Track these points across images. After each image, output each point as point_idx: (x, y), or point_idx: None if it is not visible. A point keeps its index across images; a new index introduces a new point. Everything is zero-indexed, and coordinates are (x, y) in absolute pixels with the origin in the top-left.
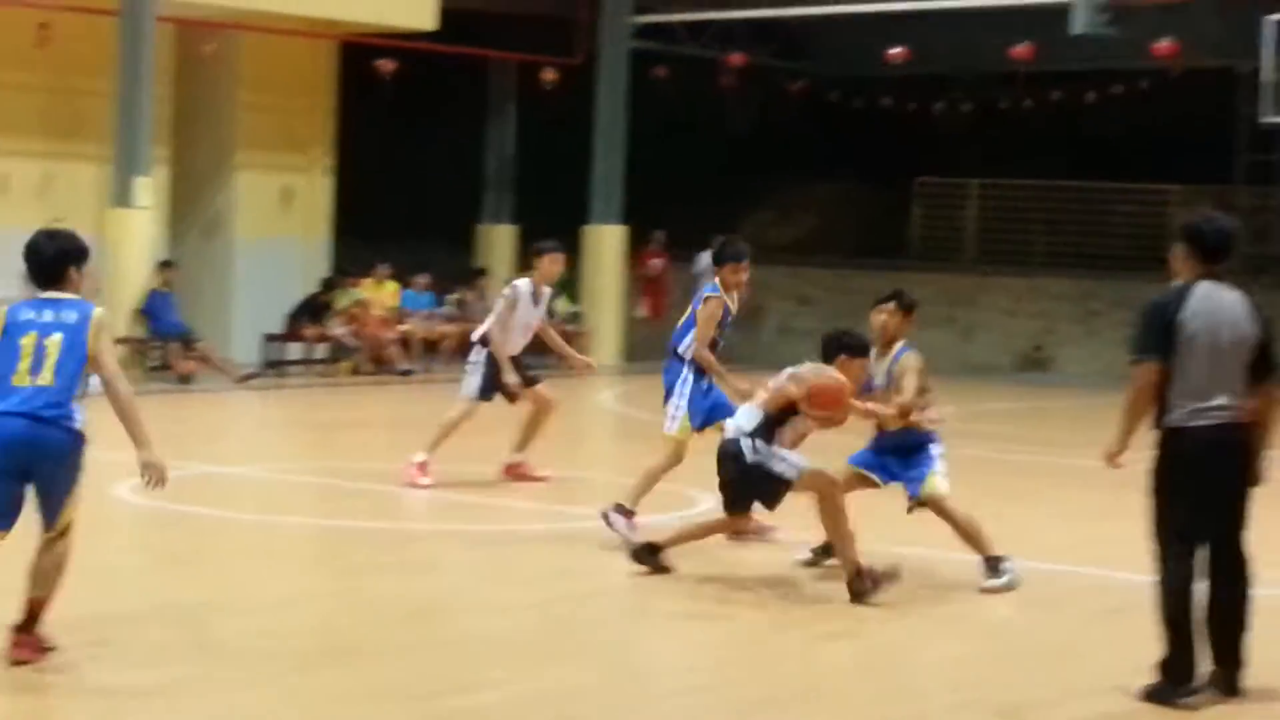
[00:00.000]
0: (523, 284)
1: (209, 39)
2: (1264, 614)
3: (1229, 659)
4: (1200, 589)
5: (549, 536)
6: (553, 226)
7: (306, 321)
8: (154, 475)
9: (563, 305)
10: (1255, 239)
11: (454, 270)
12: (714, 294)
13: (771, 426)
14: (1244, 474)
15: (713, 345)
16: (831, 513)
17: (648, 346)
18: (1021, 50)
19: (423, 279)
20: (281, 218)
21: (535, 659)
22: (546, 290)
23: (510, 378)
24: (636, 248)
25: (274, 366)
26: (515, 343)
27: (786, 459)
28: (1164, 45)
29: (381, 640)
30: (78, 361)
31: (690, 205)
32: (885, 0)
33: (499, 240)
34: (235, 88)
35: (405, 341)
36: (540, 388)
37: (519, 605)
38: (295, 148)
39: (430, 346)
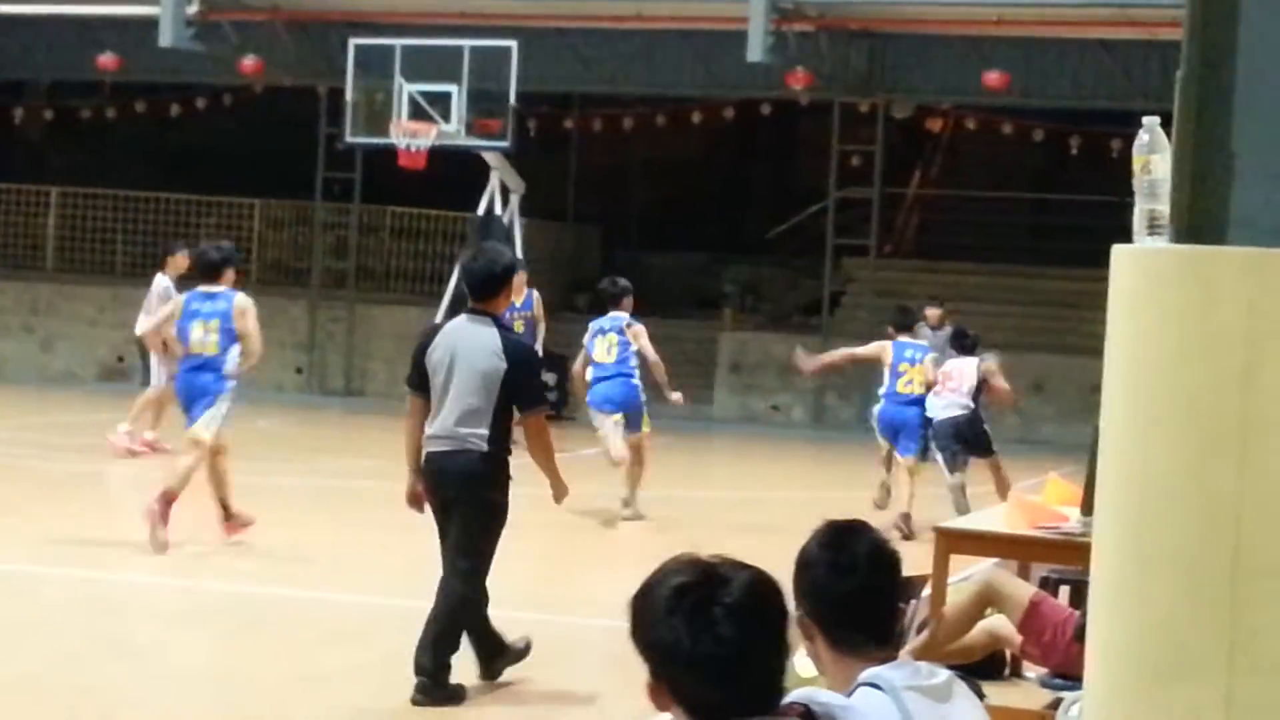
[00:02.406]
0: (165, 279)
1: None
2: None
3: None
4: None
5: None
6: None
7: None
8: None
9: None
10: (334, 254)
11: None
12: None
13: None
14: (474, 501)
15: None
16: None
17: None
18: (107, 60)
19: None
20: None
21: None
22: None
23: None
24: None
25: None
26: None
27: None
28: (248, 63)
29: None
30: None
31: None
32: None
33: None
34: None
35: None
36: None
37: None
38: None
39: None
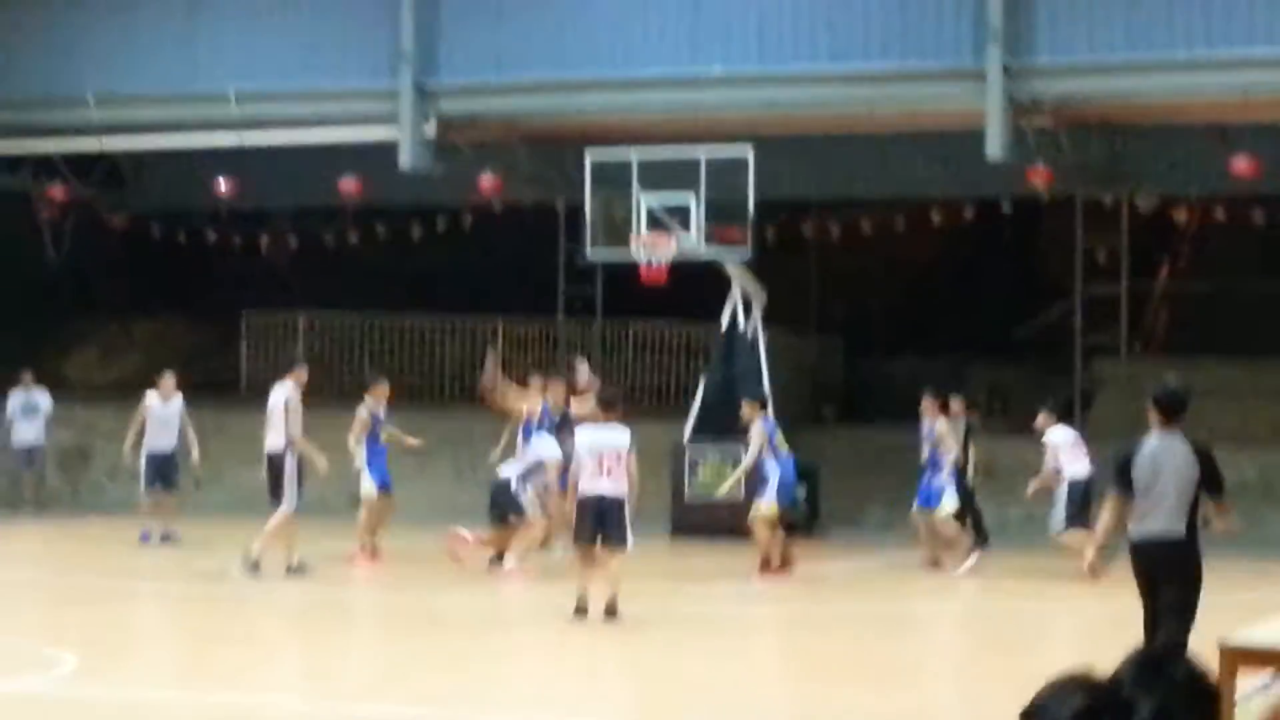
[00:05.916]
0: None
1: None
2: None
3: None
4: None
5: None
6: None
7: None
8: None
9: None
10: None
11: None
12: None
13: None
14: (1182, 574)
15: None
16: None
17: None
18: (349, 185)
19: None
20: None
21: None
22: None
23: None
24: None
25: None
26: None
27: None
28: (487, 181)
29: None
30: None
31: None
32: (210, 130)
33: None
34: None
35: None
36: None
37: None
38: None
39: None
